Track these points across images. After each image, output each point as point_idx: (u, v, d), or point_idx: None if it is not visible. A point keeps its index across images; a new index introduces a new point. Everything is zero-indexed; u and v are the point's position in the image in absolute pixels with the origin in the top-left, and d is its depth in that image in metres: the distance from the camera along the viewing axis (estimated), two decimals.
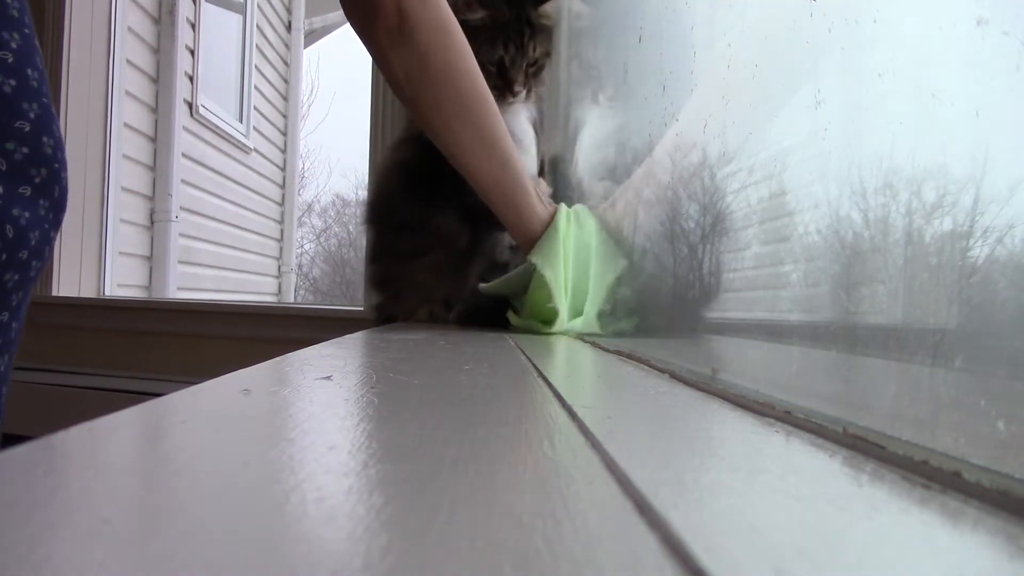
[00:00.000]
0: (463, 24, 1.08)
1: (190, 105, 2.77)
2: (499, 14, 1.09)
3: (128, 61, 2.28)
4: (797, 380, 0.37)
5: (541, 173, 1.23)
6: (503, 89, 1.11)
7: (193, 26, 2.76)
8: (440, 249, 1.17)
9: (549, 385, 0.41)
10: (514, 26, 1.10)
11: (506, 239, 1.17)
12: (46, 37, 1.94)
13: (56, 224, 0.68)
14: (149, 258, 2.61)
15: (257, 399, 0.32)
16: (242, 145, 3.36)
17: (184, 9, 2.65)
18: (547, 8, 1.12)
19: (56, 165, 0.66)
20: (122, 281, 2.30)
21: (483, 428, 0.28)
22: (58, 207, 0.67)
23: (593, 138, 1.05)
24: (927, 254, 0.30)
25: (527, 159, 1.16)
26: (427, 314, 1.18)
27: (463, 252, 1.17)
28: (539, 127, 1.21)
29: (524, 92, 1.14)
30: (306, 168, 9.18)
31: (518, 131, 1.14)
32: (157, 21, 2.57)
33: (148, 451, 0.24)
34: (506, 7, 1.09)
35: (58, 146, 0.67)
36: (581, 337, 0.86)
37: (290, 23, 4.01)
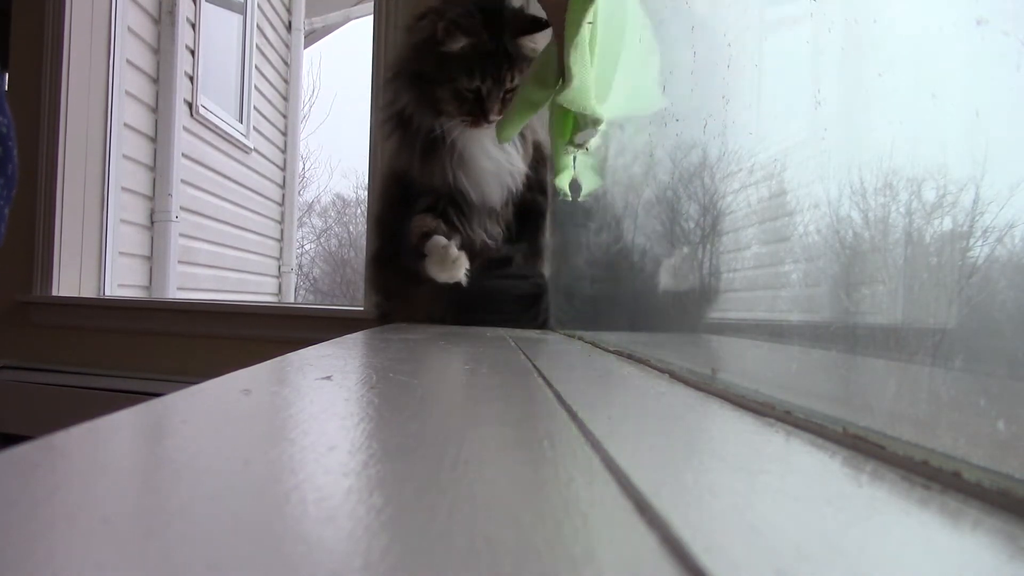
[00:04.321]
0: (442, 55, 1.07)
1: (190, 105, 2.77)
2: (480, 43, 1.07)
3: (128, 61, 2.27)
4: (797, 380, 0.37)
5: (538, 163, 1.22)
6: (478, 116, 1.10)
7: (193, 26, 2.76)
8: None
9: (549, 385, 0.41)
10: (493, 56, 1.08)
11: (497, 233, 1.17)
12: (46, 37, 1.94)
13: (9, 199, 0.71)
14: (149, 258, 2.61)
15: (257, 399, 0.32)
16: (242, 145, 3.36)
17: (184, 9, 2.65)
18: (527, 39, 1.10)
19: (9, 143, 0.68)
20: (122, 281, 2.30)
21: (483, 428, 0.28)
22: (11, 183, 0.70)
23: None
24: (927, 254, 0.30)
25: (492, 184, 1.13)
26: (426, 320, 1.19)
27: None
28: (521, 143, 1.18)
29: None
30: (307, 168, 9.18)
31: (479, 155, 1.13)
32: (157, 21, 2.57)
33: (148, 451, 0.24)
34: (488, 36, 1.07)
35: (9, 124, 0.69)
36: (581, 337, 0.86)
37: (290, 23, 4.01)
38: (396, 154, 1.18)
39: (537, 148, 1.22)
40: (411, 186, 1.16)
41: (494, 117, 1.10)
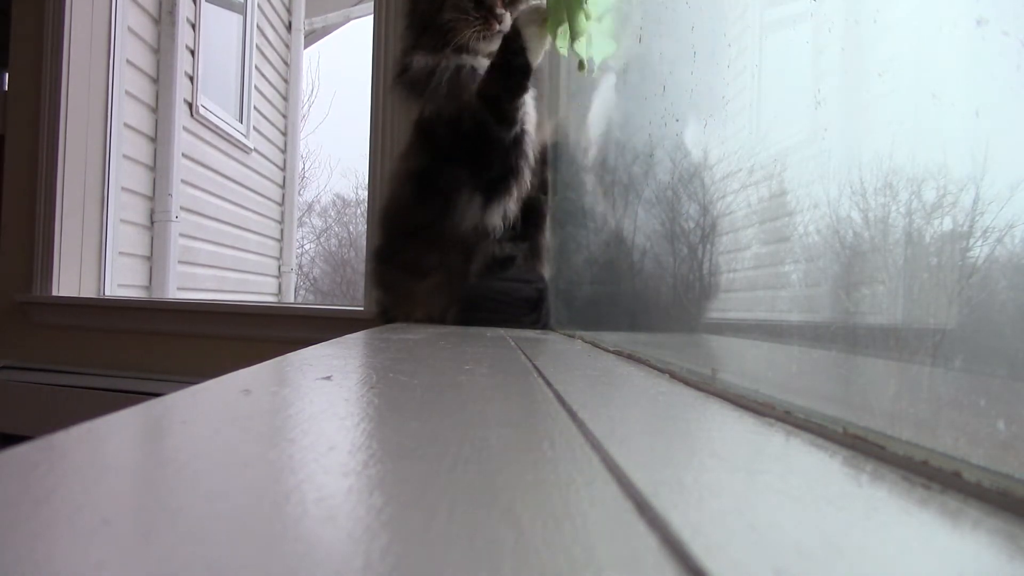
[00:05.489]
0: None
1: (190, 105, 2.77)
2: None
3: (128, 61, 2.27)
4: (797, 380, 0.37)
5: (543, 163, 1.23)
6: (486, 16, 1.10)
7: (193, 26, 2.76)
8: (441, 271, 1.18)
9: (549, 385, 0.41)
10: None
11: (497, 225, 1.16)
12: (46, 37, 1.94)
13: None
14: (149, 258, 2.61)
15: (257, 399, 0.32)
16: (242, 145, 3.35)
17: (184, 9, 2.64)
18: None
19: None
20: (122, 281, 2.30)
21: (483, 428, 0.28)
22: None
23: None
24: (927, 254, 0.30)
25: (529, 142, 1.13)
26: (426, 318, 1.19)
27: (463, 255, 1.18)
28: (540, 105, 1.18)
29: (509, 17, 1.12)
30: (306, 168, 9.18)
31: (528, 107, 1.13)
32: (157, 21, 2.56)
33: (148, 451, 0.24)
34: None
35: None
36: (580, 337, 0.86)
37: (290, 23, 4.00)
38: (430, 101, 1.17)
39: (543, 149, 1.22)
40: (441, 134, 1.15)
41: (500, 11, 1.11)
